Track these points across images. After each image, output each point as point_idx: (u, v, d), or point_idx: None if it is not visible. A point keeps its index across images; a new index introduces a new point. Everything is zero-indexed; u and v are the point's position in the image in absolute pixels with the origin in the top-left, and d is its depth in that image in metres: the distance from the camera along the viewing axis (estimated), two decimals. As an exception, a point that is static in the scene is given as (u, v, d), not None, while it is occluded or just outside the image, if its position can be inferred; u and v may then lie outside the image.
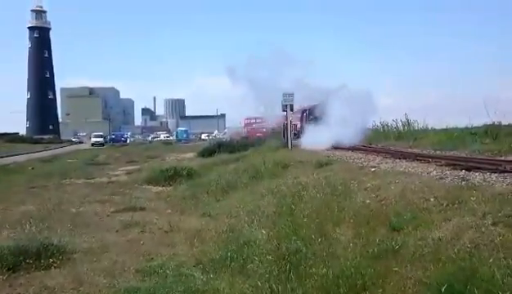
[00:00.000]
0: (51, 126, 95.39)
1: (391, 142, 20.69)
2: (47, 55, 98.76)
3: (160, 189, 15.62)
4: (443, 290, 3.93)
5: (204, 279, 5.70)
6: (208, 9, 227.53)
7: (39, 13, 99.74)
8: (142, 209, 11.18)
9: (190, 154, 31.72)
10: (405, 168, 10.09)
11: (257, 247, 6.56)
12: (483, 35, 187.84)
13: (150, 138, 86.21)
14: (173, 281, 5.72)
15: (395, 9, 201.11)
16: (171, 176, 16.88)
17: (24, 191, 14.56)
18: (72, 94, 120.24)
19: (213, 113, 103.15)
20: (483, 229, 4.85)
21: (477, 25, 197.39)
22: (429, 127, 23.98)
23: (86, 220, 9.81)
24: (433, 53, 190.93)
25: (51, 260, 6.55)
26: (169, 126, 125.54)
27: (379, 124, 26.22)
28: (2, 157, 31.36)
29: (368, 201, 7.28)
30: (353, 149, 17.55)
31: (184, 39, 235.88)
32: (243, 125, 51.03)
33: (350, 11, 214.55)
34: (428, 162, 11.07)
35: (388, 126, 25.84)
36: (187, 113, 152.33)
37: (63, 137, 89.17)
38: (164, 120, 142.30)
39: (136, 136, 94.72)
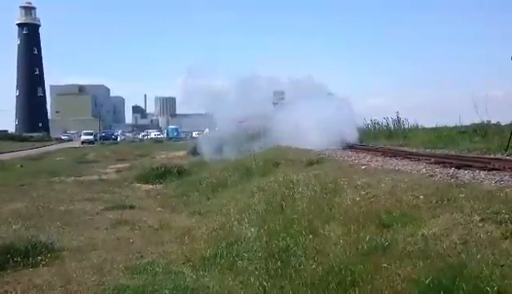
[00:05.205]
0: (40, 124, 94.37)
1: (381, 141, 20.78)
2: (36, 52, 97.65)
3: (151, 187, 15.56)
4: (432, 286, 3.95)
5: (194, 277, 5.69)
6: (199, 8, 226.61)
7: (28, 9, 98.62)
8: (132, 207, 11.13)
9: (181, 153, 31.62)
10: (395, 166, 10.14)
11: (247, 244, 6.56)
12: (473, 36, 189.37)
13: (140, 136, 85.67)
14: (163, 278, 5.70)
15: (386, 10, 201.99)
16: (161, 174, 16.86)
17: (13, 189, 14.40)
18: (62, 91, 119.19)
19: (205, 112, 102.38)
20: (472, 226, 4.88)
21: (467, 26, 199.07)
22: (419, 126, 24.22)
23: (75, 218, 9.73)
24: (423, 54, 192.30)
25: (39, 258, 6.50)
26: (160, 125, 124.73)
27: (369, 122, 26.38)
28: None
29: (358, 198, 7.29)
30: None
31: (175, 37, 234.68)
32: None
33: (341, 11, 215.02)
34: (418, 160, 11.15)
35: (378, 124, 26.00)
36: (178, 112, 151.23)
37: (52, 135, 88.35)
38: (155, 118, 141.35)
39: (127, 134, 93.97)
